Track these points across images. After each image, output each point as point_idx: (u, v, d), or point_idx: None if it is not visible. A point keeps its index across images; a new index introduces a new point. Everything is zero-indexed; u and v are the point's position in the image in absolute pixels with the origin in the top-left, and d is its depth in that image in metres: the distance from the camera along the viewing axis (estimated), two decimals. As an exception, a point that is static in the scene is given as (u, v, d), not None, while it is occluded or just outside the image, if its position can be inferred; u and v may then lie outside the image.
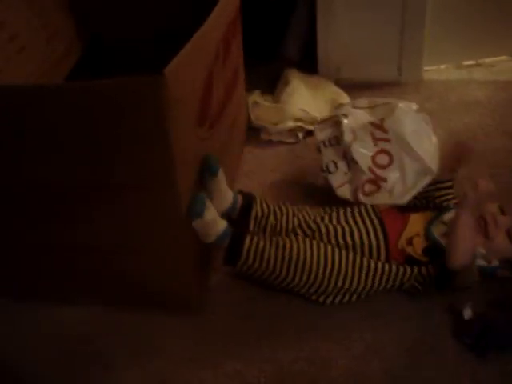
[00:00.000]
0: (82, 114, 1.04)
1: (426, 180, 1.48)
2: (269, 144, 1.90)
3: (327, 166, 1.56)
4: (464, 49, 2.31)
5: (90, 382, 1.21)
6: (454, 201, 1.42)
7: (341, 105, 1.90)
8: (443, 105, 2.07)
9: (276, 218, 1.38)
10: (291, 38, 2.33)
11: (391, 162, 1.51)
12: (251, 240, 1.26)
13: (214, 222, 1.24)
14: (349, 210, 1.40)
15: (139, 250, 1.23)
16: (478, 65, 2.33)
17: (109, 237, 1.23)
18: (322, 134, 1.61)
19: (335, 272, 1.25)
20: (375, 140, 1.52)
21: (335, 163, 1.56)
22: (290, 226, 1.37)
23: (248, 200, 1.39)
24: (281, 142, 1.89)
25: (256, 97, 1.99)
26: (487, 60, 2.34)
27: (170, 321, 1.30)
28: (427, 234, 1.31)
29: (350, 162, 1.54)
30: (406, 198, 1.48)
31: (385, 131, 1.52)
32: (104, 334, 1.28)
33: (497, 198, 1.35)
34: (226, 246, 1.27)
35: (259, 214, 1.37)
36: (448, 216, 1.34)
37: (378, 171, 1.50)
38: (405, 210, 1.40)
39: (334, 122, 1.60)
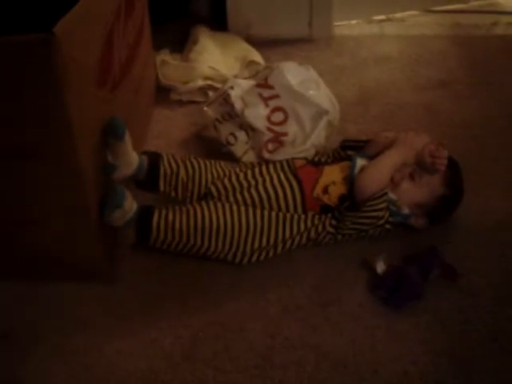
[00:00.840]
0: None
1: (323, 121, 1.53)
2: (179, 104, 1.84)
3: (227, 140, 1.56)
4: (375, 3, 2.32)
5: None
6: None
7: (251, 62, 1.89)
8: (354, 60, 2.06)
9: (188, 175, 1.33)
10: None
11: (286, 116, 1.53)
12: (159, 214, 1.22)
13: (129, 209, 1.19)
14: (263, 167, 1.38)
15: (43, 221, 1.17)
16: (388, 19, 2.34)
17: (13, 208, 1.15)
18: (213, 113, 1.61)
19: (250, 233, 1.23)
20: (265, 100, 1.53)
21: (233, 135, 1.56)
22: (204, 182, 1.33)
23: (154, 159, 1.33)
24: (191, 102, 1.84)
25: (164, 56, 1.92)
26: (398, 15, 2.36)
27: (81, 292, 1.24)
28: (352, 164, 1.33)
29: (248, 128, 1.54)
30: (308, 143, 1.50)
31: (271, 88, 1.54)
32: (14, 311, 1.22)
33: None
34: (135, 224, 1.22)
35: (168, 172, 1.32)
36: (362, 162, 1.35)
37: (277, 128, 1.52)
38: (319, 164, 1.40)
39: (223, 98, 1.60)
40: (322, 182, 1.31)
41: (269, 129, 1.51)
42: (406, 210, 1.31)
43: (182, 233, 1.21)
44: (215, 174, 1.35)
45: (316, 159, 1.43)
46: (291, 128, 1.51)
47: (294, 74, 1.54)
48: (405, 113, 1.78)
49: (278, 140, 1.50)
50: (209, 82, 1.83)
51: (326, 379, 1.08)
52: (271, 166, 1.37)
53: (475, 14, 2.36)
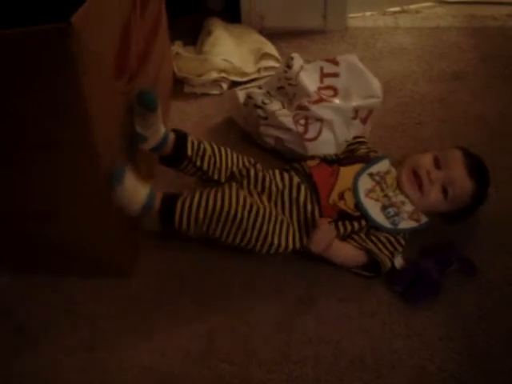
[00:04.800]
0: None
1: (373, 101, 1.52)
2: (193, 97, 1.83)
3: (262, 101, 1.55)
4: (389, -5, 2.29)
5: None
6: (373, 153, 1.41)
7: (265, 54, 1.88)
8: (369, 52, 2.04)
9: (213, 152, 1.32)
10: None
11: (336, 94, 1.52)
12: (183, 204, 1.18)
13: (135, 189, 1.16)
14: (277, 172, 1.31)
15: (62, 214, 1.16)
16: (403, 11, 2.32)
17: (30, 202, 1.15)
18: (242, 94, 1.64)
19: (270, 232, 1.19)
20: (323, 76, 1.53)
21: (269, 94, 1.58)
22: (226, 166, 1.33)
23: (181, 133, 1.33)
24: (205, 95, 1.83)
25: (177, 48, 1.91)
26: (412, 6, 2.34)
27: (97, 288, 1.24)
28: (354, 189, 1.27)
29: (296, 90, 1.54)
30: (352, 112, 1.51)
31: (336, 64, 1.54)
32: (29, 304, 1.22)
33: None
34: (159, 213, 1.19)
35: (195, 143, 1.31)
36: (376, 168, 1.31)
37: (324, 96, 1.51)
38: (334, 163, 1.35)
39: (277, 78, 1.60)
40: (338, 187, 1.27)
41: (317, 93, 1.50)
42: (424, 219, 1.27)
43: (203, 226, 1.18)
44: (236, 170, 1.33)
45: (329, 157, 1.39)
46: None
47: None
48: (420, 106, 1.76)
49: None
50: (223, 75, 1.81)
51: (344, 375, 1.08)
52: (284, 172, 1.32)
53: (491, 6, 2.33)
